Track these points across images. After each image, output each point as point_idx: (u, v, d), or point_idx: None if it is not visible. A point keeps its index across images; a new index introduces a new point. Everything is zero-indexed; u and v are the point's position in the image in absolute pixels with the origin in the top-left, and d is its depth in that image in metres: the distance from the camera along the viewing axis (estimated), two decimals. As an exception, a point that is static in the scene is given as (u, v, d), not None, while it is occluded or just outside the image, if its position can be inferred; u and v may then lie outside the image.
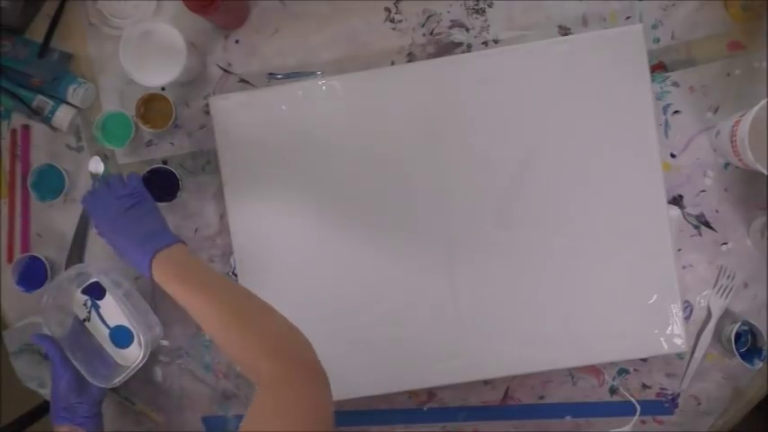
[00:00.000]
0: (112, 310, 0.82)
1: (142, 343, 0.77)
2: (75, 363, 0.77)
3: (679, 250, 0.83)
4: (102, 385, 0.77)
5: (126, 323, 0.81)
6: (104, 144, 0.84)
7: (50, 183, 0.85)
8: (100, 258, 0.86)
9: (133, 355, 0.81)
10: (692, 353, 0.83)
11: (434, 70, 0.81)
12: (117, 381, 0.77)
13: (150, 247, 0.68)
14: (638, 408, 0.84)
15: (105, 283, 0.79)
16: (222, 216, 0.85)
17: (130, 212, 0.72)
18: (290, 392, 0.55)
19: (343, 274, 0.82)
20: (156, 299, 0.85)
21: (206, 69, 0.86)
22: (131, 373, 0.78)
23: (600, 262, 0.81)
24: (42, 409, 0.95)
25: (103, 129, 0.84)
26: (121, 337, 0.82)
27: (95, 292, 0.82)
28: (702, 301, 0.83)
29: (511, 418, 0.86)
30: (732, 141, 0.76)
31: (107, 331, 0.82)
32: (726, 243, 0.83)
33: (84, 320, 0.83)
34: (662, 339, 0.80)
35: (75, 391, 0.77)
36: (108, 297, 0.82)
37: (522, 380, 0.85)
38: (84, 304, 0.83)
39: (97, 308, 0.83)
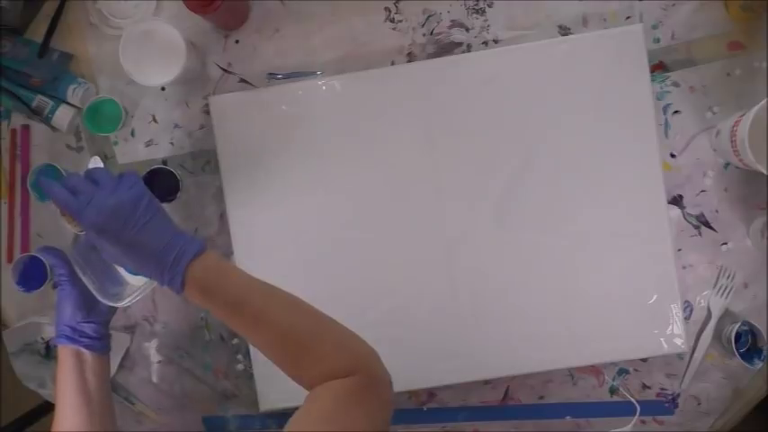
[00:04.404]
0: None
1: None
2: (83, 279, 0.70)
3: (679, 250, 0.83)
4: (112, 304, 0.70)
5: None
6: (93, 131, 0.84)
7: (50, 182, 0.85)
8: None
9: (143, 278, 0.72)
10: (692, 353, 0.83)
11: (434, 70, 0.81)
12: (127, 301, 0.70)
13: (177, 259, 0.60)
14: (638, 408, 0.84)
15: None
16: (222, 216, 0.85)
17: (140, 215, 0.62)
18: (354, 412, 0.55)
19: (343, 274, 0.82)
20: (154, 293, 0.86)
21: (206, 69, 0.86)
22: (143, 294, 0.71)
23: (600, 262, 0.81)
24: (42, 409, 0.95)
25: (93, 117, 0.84)
26: None
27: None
28: (702, 301, 0.83)
29: (511, 418, 0.86)
30: (732, 141, 0.76)
31: None
32: (726, 243, 0.83)
33: None
34: (662, 339, 0.80)
35: (83, 309, 0.72)
36: None
37: (522, 380, 0.85)
38: None
39: None
